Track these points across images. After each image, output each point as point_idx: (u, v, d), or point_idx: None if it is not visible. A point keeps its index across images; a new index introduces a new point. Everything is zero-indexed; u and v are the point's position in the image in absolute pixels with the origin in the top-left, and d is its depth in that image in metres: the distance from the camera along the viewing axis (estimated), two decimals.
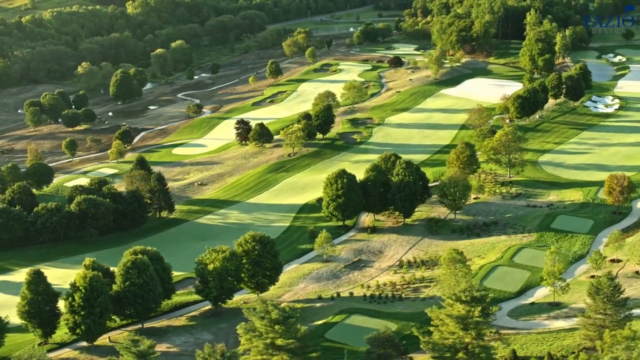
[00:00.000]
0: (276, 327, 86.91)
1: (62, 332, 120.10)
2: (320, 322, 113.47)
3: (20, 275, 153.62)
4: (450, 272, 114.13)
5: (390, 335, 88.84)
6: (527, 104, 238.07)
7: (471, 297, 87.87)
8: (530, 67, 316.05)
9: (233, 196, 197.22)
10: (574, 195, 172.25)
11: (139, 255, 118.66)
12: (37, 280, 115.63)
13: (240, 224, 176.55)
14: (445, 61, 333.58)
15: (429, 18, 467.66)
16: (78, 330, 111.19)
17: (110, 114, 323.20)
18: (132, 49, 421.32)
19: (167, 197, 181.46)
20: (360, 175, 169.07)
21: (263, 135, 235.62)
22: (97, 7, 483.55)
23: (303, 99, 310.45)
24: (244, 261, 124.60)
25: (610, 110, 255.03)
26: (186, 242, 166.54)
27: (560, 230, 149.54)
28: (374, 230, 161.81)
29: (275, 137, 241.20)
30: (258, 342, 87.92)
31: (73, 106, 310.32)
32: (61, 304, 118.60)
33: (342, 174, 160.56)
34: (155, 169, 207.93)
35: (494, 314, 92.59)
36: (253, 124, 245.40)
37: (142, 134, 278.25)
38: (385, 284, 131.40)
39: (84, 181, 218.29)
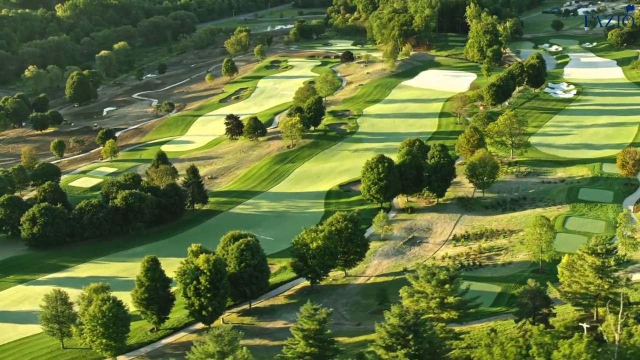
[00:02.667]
0: (445, 286, 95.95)
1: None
2: None
3: (80, 271, 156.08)
4: (538, 235, 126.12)
5: (540, 289, 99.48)
6: (501, 91, 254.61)
7: (606, 250, 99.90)
8: (479, 57, 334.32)
9: (252, 187, 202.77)
10: (581, 171, 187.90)
11: (249, 238, 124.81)
12: (154, 267, 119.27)
13: (275, 212, 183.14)
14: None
15: (356, 14, 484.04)
16: (204, 313, 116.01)
17: (68, 116, 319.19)
18: (71, 52, 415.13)
19: (201, 190, 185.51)
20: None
21: (257, 128, 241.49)
22: (27, 10, 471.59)
23: (267, 94, 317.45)
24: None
25: (570, 95, 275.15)
26: (232, 230, 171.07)
27: (589, 201, 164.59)
28: (413, 210, 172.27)
29: (269, 129, 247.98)
30: (427, 302, 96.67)
31: (34, 109, 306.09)
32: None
33: (382, 158, 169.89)
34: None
35: (625, 263, 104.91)
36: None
37: (118, 133, 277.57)
38: (458, 255, 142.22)
39: (86, 180, 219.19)
